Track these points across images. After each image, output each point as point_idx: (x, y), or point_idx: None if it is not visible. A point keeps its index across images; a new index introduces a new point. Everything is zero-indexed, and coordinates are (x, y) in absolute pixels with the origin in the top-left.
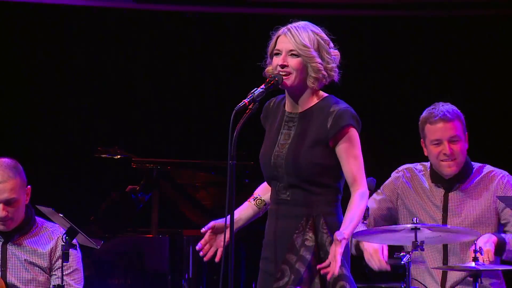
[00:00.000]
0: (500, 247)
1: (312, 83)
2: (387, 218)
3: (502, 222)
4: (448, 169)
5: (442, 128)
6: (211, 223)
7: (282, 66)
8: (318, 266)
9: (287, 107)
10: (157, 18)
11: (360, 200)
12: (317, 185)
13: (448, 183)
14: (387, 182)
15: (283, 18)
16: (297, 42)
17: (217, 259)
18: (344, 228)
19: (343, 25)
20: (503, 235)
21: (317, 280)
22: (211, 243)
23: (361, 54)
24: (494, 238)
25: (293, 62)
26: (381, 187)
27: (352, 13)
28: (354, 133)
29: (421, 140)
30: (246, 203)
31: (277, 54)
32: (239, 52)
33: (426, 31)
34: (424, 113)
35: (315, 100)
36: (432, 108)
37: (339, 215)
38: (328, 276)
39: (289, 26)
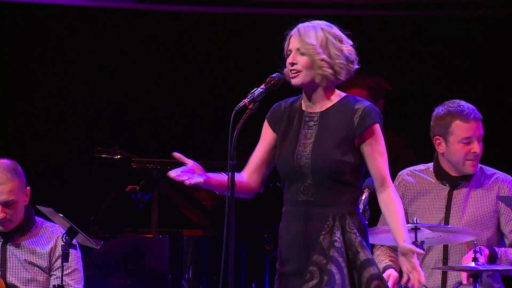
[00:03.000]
0: (492, 258)
1: (320, 80)
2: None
3: (502, 231)
4: (472, 168)
5: (475, 126)
6: (191, 161)
7: (292, 64)
8: (402, 282)
9: (305, 107)
10: (157, 18)
11: (398, 199)
12: (342, 183)
13: (454, 180)
14: None
15: (283, 18)
16: (302, 40)
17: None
18: (406, 236)
19: (343, 25)
20: (497, 249)
21: (348, 282)
22: (187, 173)
23: (361, 54)
24: (485, 252)
25: (301, 60)
26: None
27: (352, 13)
28: (379, 129)
29: (436, 136)
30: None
31: (289, 54)
32: (239, 52)
33: (426, 31)
34: (448, 110)
35: (335, 99)
36: (458, 105)
37: (361, 214)
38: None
39: (299, 25)
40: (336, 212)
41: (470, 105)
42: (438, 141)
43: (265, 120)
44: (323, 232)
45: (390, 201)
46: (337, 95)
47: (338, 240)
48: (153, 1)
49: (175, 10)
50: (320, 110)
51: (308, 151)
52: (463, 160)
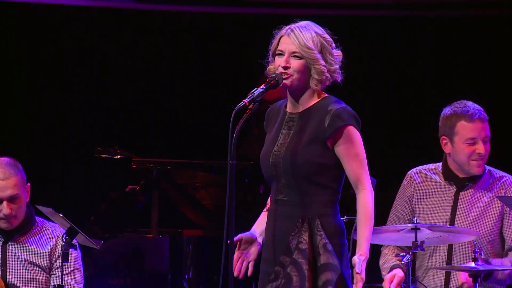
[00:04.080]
0: (487, 274)
1: (315, 85)
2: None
3: (503, 234)
4: (477, 168)
5: (479, 127)
6: (239, 235)
7: (285, 68)
8: None
9: (288, 108)
10: (157, 18)
11: (368, 205)
12: (314, 184)
13: (461, 181)
14: (401, 187)
15: (283, 18)
16: (300, 44)
17: (249, 274)
18: (360, 249)
19: (343, 25)
20: (491, 260)
21: (308, 285)
22: (242, 258)
23: (361, 54)
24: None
25: (295, 63)
26: (398, 194)
27: (352, 13)
28: (353, 131)
29: (442, 136)
30: (263, 215)
31: (279, 54)
32: (239, 52)
33: (426, 31)
34: (454, 110)
35: (315, 100)
36: (465, 105)
37: (336, 216)
38: None
39: (292, 26)
40: (306, 213)
41: (476, 106)
42: (444, 141)
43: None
44: (292, 233)
45: (362, 206)
46: (319, 96)
47: (304, 241)
48: (153, 1)
49: (175, 10)
50: (299, 111)
51: (282, 151)
52: (468, 160)
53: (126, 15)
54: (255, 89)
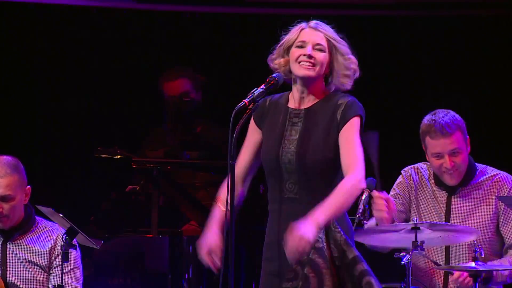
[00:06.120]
0: (487, 278)
1: (341, 80)
2: (403, 214)
3: (501, 232)
4: (451, 180)
5: (442, 143)
6: (207, 253)
7: (310, 57)
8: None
9: (291, 104)
10: (157, 18)
11: (345, 184)
12: (326, 181)
13: (451, 188)
14: (398, 180)
15: (283, 18)
16: (328, 34)
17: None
18: (319, 213)
19: (344, 25)
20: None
21: (328, 283)
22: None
23: (361, 54)
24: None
25: (319, 55)
26: (394, 186)
27: (352, 13)
28: (356, 122)
29: (422, 144)
30: (219, 212)
31: (299, 46)
32: (239, 52)
33: (426, 31)
34: (425, 122)
35: (321, 96)
36: (432, 119)
37: (344, 213)
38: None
39: (315, 21)
40: None
41: (445, 119)
42: (424, 149)
43: (251, 117)
44: None
45: (340, 184)
46: (325, 93)
47: (320, 240)
48: (153, 1)
49: (175, 10)
50: (305, 107)
51: (292, 148)
52: (440, 172)
53: (126, 15)
54: (255, 89)
